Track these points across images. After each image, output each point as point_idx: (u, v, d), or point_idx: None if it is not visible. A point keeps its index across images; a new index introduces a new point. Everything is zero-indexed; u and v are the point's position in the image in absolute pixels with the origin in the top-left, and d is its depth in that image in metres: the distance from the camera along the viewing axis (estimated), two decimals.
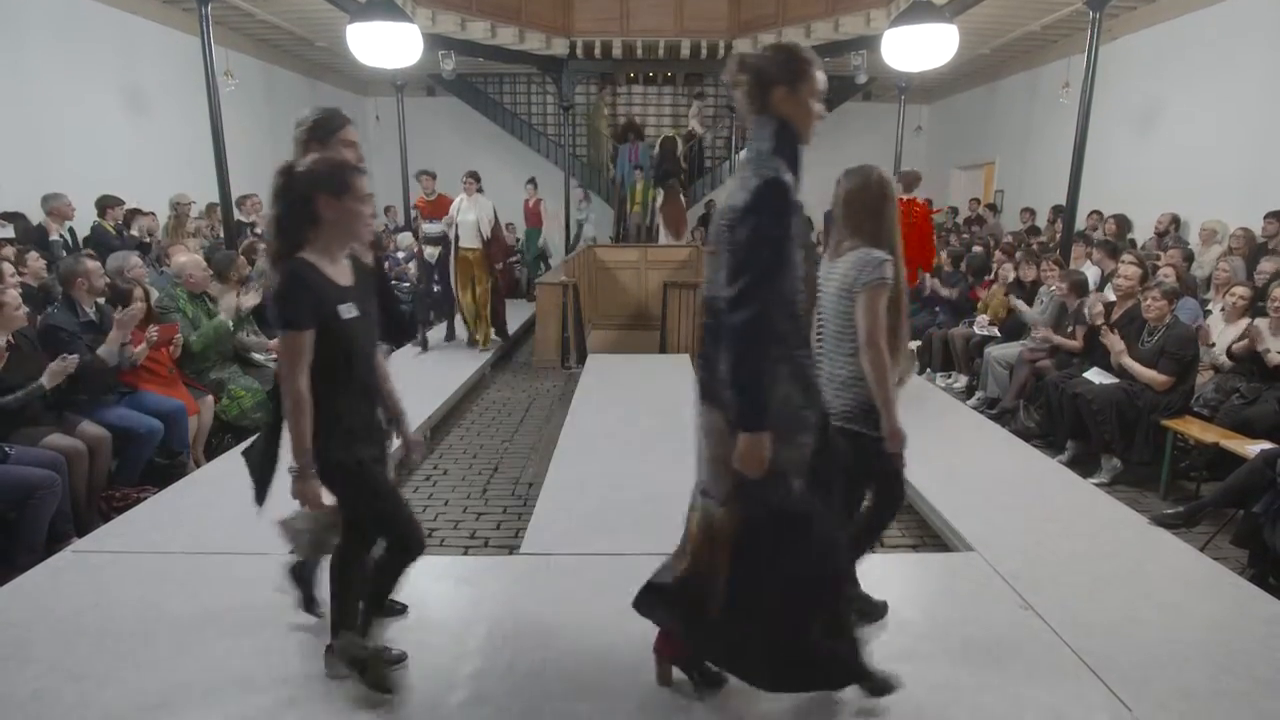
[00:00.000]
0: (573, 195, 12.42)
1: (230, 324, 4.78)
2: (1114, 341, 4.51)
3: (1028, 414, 5.41)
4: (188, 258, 4.96)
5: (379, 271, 2.48)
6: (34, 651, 2.50)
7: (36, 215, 6.26)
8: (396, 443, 2.41)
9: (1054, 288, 5.57)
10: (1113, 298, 5.04)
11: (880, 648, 2.43)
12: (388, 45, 6.23)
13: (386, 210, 11.67)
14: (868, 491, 2.57)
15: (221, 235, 6.78)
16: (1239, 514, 3.52)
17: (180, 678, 2.38)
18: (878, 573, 2.96)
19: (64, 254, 5.76)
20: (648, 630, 2.31)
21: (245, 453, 2.40)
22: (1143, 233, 7.72)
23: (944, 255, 7.93)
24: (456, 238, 7.20)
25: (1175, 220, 7.41)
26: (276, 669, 2.43)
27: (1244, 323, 4.51)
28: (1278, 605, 2.89)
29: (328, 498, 2.14)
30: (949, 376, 6.78)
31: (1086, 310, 5.07)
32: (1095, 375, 4.68)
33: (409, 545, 2.22)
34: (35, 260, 5.08)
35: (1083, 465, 4.61)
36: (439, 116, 13.64)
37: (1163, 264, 5.62)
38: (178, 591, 2.89)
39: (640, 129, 13.27)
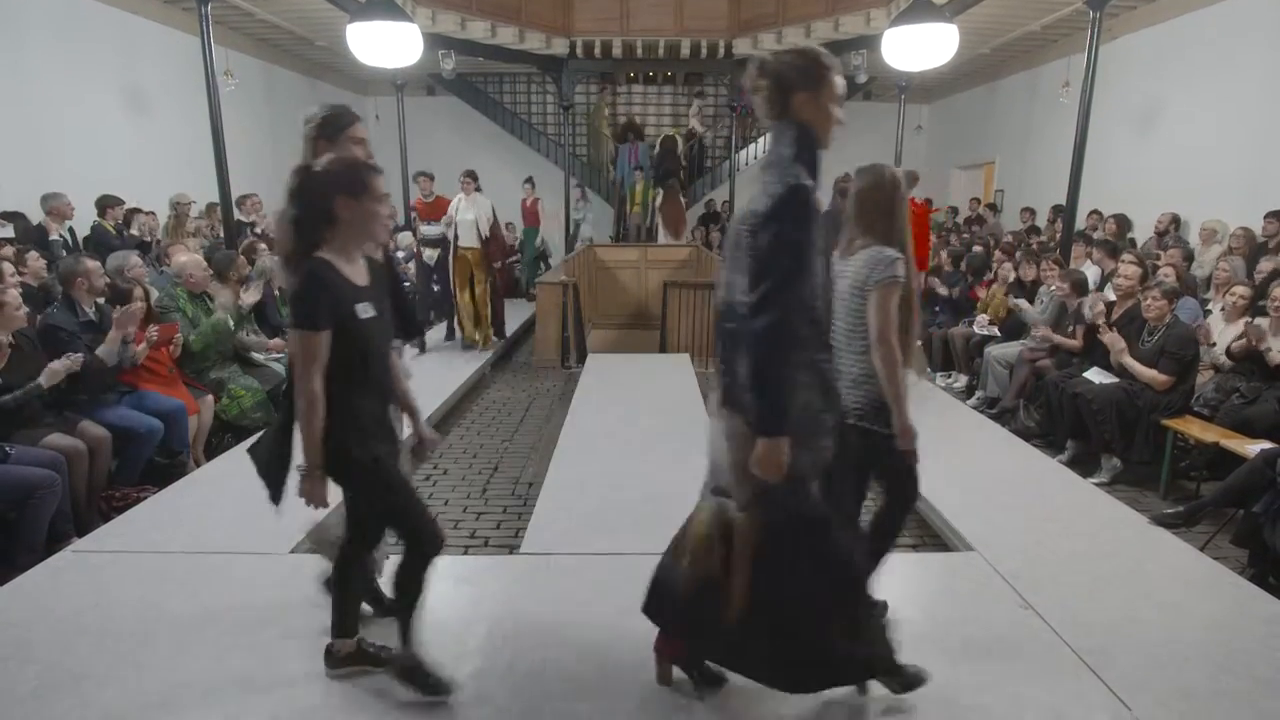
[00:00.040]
0: (570, 194, 12.41)
1: (230, 322, 4.78)
2: (1115, 339, 4.50)
3: (1028, 414, 5.41)
4: (188, 257, 4.96)
5: (390, 269, 2.48)
6: (34, 651, 2.50)
7: (36, 215, 6.26)
8: (407, 430, 2.40)
9: (1054, 287, 5.57)
10: (1112, 297, 5.04)
11: None
12: (388, 45, 6.23)
13: None
14: (876, 487, 2.57)
15: (221, 235, 6.77)
16: (1239, 514, 3.52)
17: (180, 678, 2.38)
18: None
19: (64, 254, 5.76)
20: (648, 630, 2.31)
21: (251, 450, 2.40)
22: (1143, 232, 7.72)
23: (944, 255, 7.93)
24: (456, 237, 7.20)
25: (1175, 220, 7.41)
26: (276, 669, 2.43)
27: (1244, 322, 4.51)
28: (1277, 605, 2.89)
29: (332, 498, 2.13)
30: (949, 376, 6.78)
31: (1087, 309, 5.08)
32: (1095, 375, 4.68)
33: (426, 541, 2.19)
34: (35, 260, 5.07)
35: (1083, 465, 4.61)
36: (439, 116, 13.65)
37: (1163, 264, 5.61)
38: (178, 591, 2.89)
39: (640, 129, 13.28)
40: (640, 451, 4.51)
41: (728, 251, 2.01)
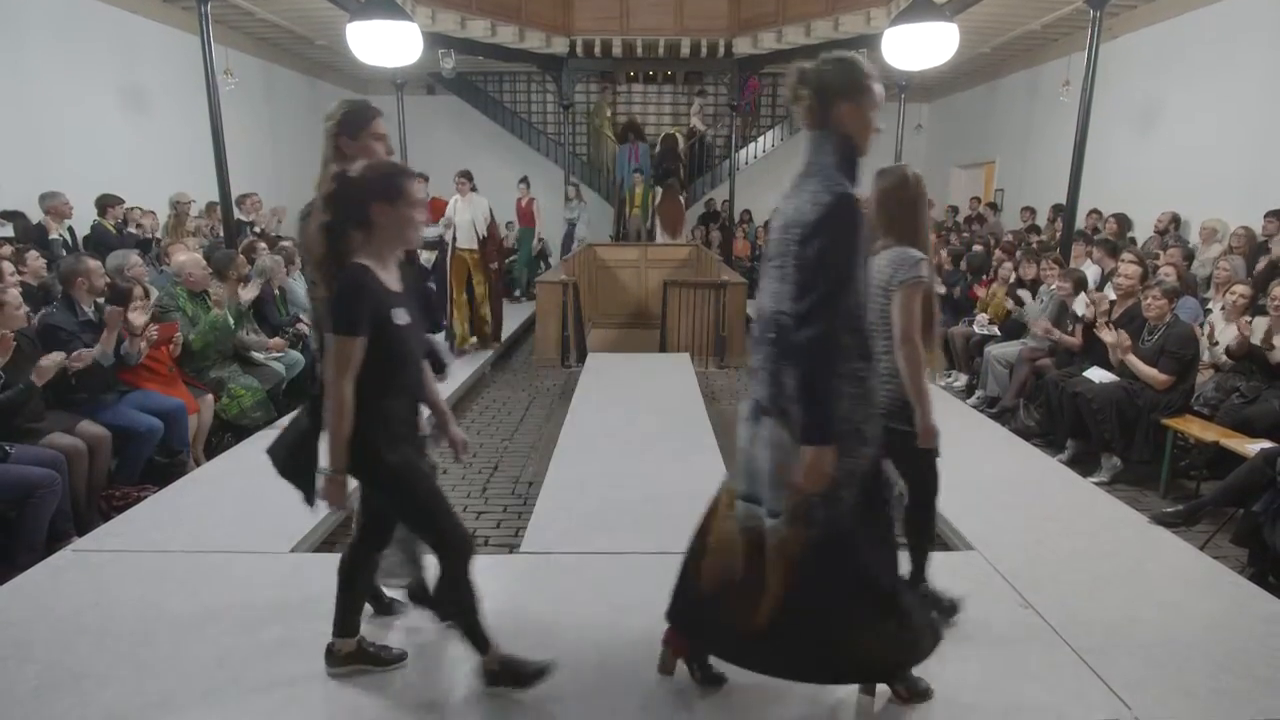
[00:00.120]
0: (561, 191, 12.30)
1: (230, 321, 4.78)
2: (1121, 337, 4.49)
3: (1028, 413, 5.41)
4: (187, 256, 4.96)
5: (413, 269, 2.48)
6: (34, 651, 2.50)
7: (36, 214, 6.26)
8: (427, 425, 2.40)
9: (1054, 286, 5.57)
10: (1113, 296, 5.03)
11: None
12: (387, 44, 6.22)
13: None
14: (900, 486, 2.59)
15: (221, 234, 6.77)
16: (1239, 513, 3.52)
17: (180, 678, 2.38)
18: None
19: (64, 253, 5.76)
20: (647, 629, 2.32)
21: (271, 451, 2.40)
22: (1143, 231, 7.72)
23: (944, 254, 7.93)
24: (454, 239, 7.19)
25: (1175, 219, 7.41)
26: (276, 669, 2.43)
27: (1243, 322, 4.51)
28: (1277, 604, 2.90)
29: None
30: (949, 375, 6.78)
31: (1080, 307, 5.08)
32: (1095, 374, 4.68)
33: (454, 544, 2.18)
34: (35, 259, 5.07)
35: (1083, 464, 4.61)
36: (439, 115, 13.65)
37: (1163, 263, 5.61)
38: (178, 590, 2.89)
39: (641, 129, 13.27)
40: (640, 451, 4.51)
41: (772, 260, 1.99)
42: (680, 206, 12.11)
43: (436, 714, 2.26)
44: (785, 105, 13.86)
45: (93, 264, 4.13)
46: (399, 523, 2.32)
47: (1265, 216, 6.20)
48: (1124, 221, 7.72)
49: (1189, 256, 6.42)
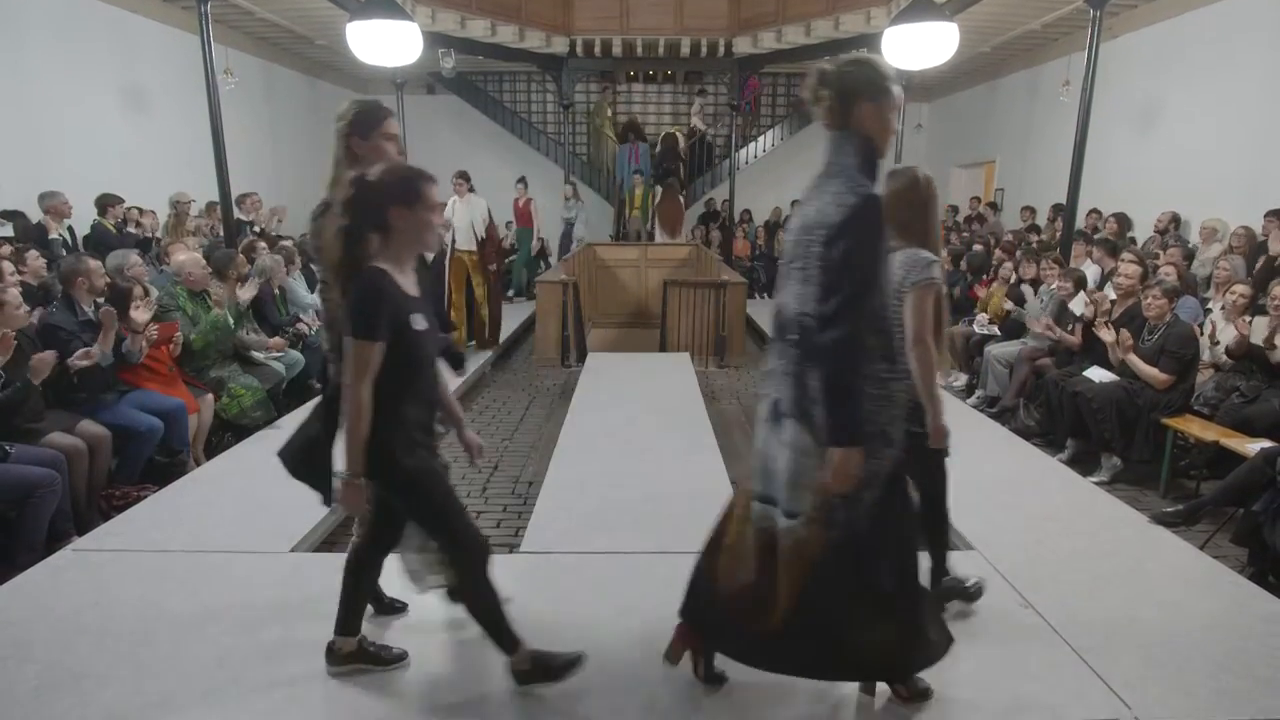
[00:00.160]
0: (560, 190, 12.26)
1: (230, 320, 4.78)
2: (1123, 337, 4.49)
3: (1028, 412, 5.41)
4: (187, 256, 4.96)
5: (427, 272, 2.47)
6: (34, 651, 2.50)
7: (36, 214, 6.26)
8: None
9: (1055, 285, 5.57)
10: (1112, 295, 5.04)
11: None
12: (387, 43, 6.22)
13: None
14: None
15: (221, 234, 6.77)
16: (1239, 512, 3.52)
17: (180, 677, 2.38)
18: None
19: (63, 253, 5.75)
20: (647, 629, 2.32)
21: (282, 454, 2.39)
22: (1143, 231, 7.72)
23: (944, 254, 7.92)
24: (452, 240, 7.18)
25: (1175, 219, 7.41)
26: (276, 669, 2.43)
27: (1243, 321, 4.51)
28: (1277, 603, 2.90)
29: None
30: (949, 375, 6.78)
31: (1079, 306, 5.07)
32: (1095, 373, 4.68)
33: (468, 547, 2.17)
34: (35, 259, 5.07)
35: (1083, 464, 4.61)
36: (439, 115, 13.64)
37: (1163, 262, 5.61)
38: (178, 590, 2.89)
39: (641, 129, 13.26)
40: (640, 451, 4.51)
41: (794, 262, 1.98)
42: (680, 206, 12.10)
43: (437, 714, 2.26)
44: (788, 106, 13.93)
45: (93, 264, 4.13)
46: (414, 525, 2.31)
47: (1265, 216, 6.20)
48: (1124, 221, 7.71)
49: (1189, 256, 6.42)
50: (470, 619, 2.24)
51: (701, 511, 3.61)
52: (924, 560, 2.41)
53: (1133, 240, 7.50)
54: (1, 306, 3.49)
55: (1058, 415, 4.81)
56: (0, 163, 6.38)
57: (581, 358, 7.56)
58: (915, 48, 6.39)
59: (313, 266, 6.67)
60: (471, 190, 7.26)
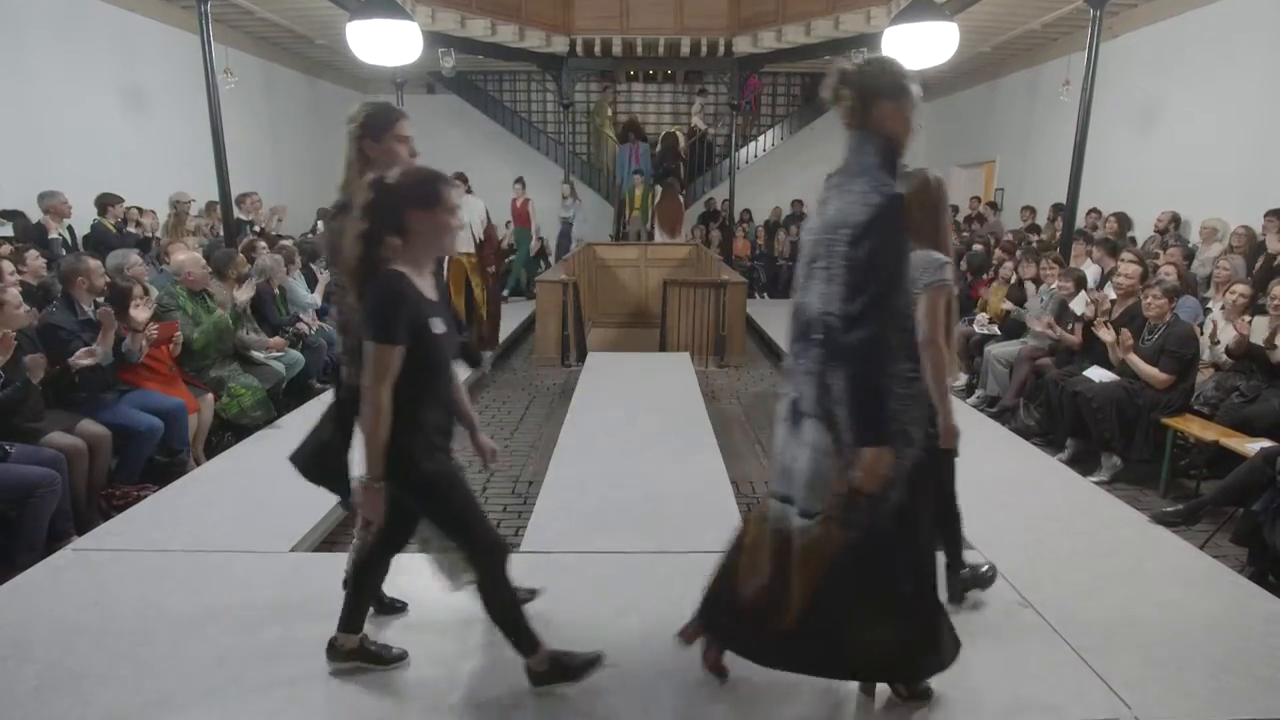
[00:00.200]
0: (559, 190, 12.21)
1: (230, 320, 4.78)
2: (1123, 336, 4.49)
3: (1028, 412, 5.41)
4: (186, 255, 4.96)
5: (440, 276, 2.46)
6: (34, 651, 2.50)
7: (36, 213, 6.26)
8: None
9: (1055, 285, 5.57)
10: (1112, 295, 5.04)
11: None
12: (387, 43, 6.22)
13: None
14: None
15: (221, 233, 6.78)
16: (1239, 512, 3.53)
17: (180, 677, 2.38)
18: None
19: (63, 252, 5.75)
20: (647, 628, 2.32)
21: (294, 458, 2.38)
22: (1143, 231, 7.71)
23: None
24: None
25: (1175, 218, 7.40)
26: (276, 669, 2.43)
27: (1243, 321, 4.52)
28: (1277, 603, 2.90)
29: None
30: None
31: (1082, 307, 5.07)
32: (1095, 373, 4.68)
33: (487, 548, 2.17)
34: (35, 259, 5.07)
35: (1083, 463, 4.61)
36: (439, 114, 13.63)
37: (1163, 262, 5.61)
38: (178, 590, 2.89)
39: (642, 129, 13.25)
40: (640, 450, 4.51)
41: (815, 261, 1.96)
42: (679, 205, 12.09)
43: (436, 714, 2.26)
44: (788, 105, 13.93)
45: (92, 263, 4.13)
46: (432, 527, 2.31)
47: (1265, 216, 6.20)
48: (1124, 221, 7.71)
49: (1189, 256, 6.42)
50: (489, 621, 2.23)
51: (701, 511, 3.64)
52: (939, 557, 2.42)
53: (1133, 240, 7.50)
54: (1, 306, 3.50)
55: (1058, 415, 4.81)
56: (0, 163, 6.38)
57: (581, 357, 7.56)
58: (915, 47, 6.38)
59: (313, 266, 6.69)
60: (469, 192, 7.25)
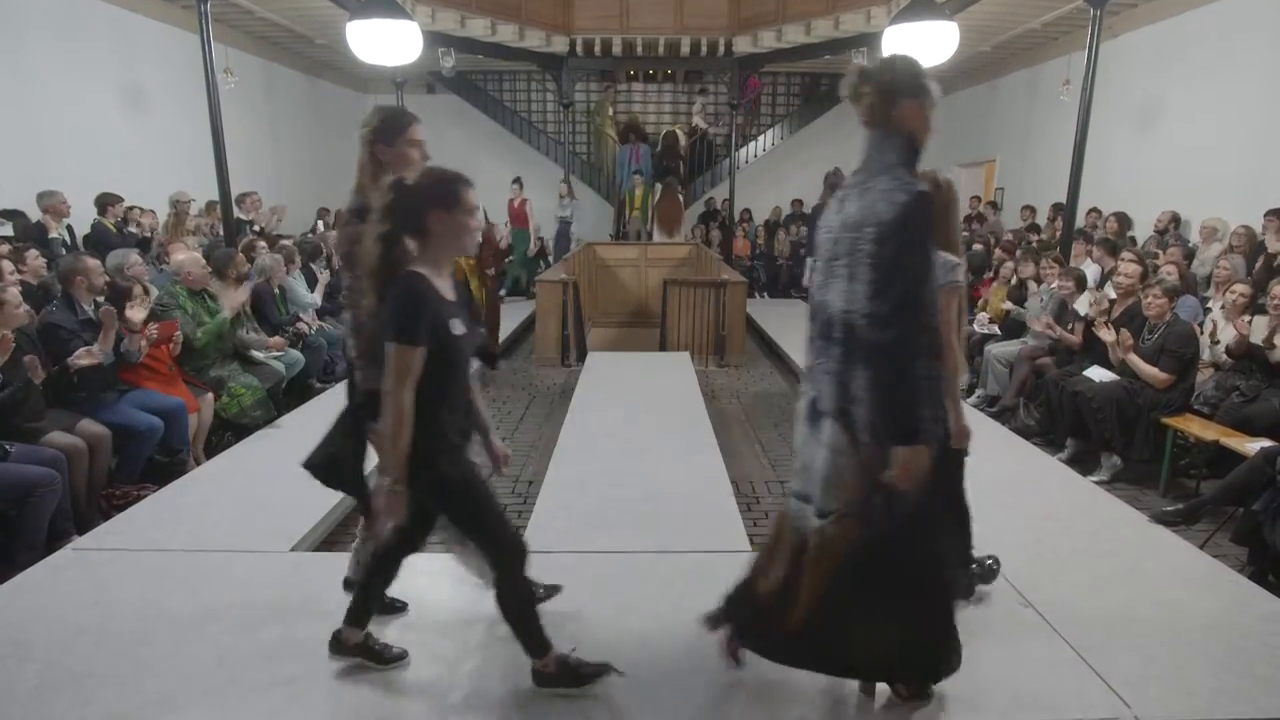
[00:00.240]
0: (557, 188, 12.18)
1: (229, 320, 4.78)
2: (1124, 336, 4.49)
3: (1028, 412, 5.41)
4: (186, 255, 4.96)
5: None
6: (34, 650, 2.50)
7: (36, 213, 6.26)
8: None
9: (1055, 285, 5.57)
10: (1112, 295, 5.04)
11: None
12: (387, 43, 6.21)
13: None
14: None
15: (221, 233, 6.77)
16: (1239, 511, 3.53)
17: (180, 677, 2.38)
18: None
19: (63, 252, 5.75)
20: (648, 628, 2.31)
21: (310, 465, 2.37)
22: (1143, 230, 7.71)
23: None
24: None
25: (1175, 218, 7.40)
26: (276, 669, 2.43)
27: (1243, 320, 4.52)
28: (1277, 603, 2.90)
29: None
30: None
31: (1085, 306, 5.07)
32: (1095, 373, 4.68)
33: (507, 548, 2.17)
34: (35, 258, 5.07)
35: (1083, 463, 4.61)
36: (439, 114, 13.56)
37: (1163, 262, 5.61)
38: (178, 589, 2.89)
39: (642, 129, 13.24)
40: (640, 450, 4.51)
41: (837, 260, 1.95)
42: (679, 205, 12.08)
43: (436, 714, 2.26)
44: (788, 105, 13.91)
45: (92, 263, 4.13)
46: (451, 527, 2.30)
47: (1265, 215, 6.20)
48: (1124, 220, 7.71)
49: (1189, 255, 6.42)
50: (503, 620, 2.23)
51: (701, 511, 3.64)
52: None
53: (1133, 239, 7.50)
54: (1, 306, 3.49)
55: (1058, 415, 4.81)
56: (0, 162, 6.38)
57: (581, 357, 7.56)
58: (915, 47, 6.38)
59: (312, 266, 6.68)
60: None
